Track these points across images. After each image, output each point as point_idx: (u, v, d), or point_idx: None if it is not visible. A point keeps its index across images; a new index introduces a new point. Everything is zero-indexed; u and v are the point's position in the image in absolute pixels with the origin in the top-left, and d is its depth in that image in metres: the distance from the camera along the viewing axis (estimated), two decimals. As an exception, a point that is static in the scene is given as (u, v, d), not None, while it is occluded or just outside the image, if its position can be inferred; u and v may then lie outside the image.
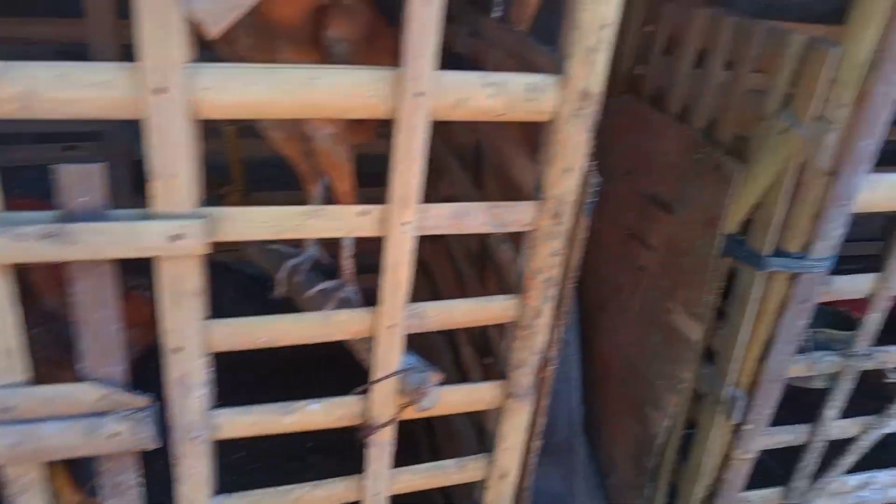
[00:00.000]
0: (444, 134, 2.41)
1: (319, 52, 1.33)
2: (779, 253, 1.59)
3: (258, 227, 1.25)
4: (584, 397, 2.39)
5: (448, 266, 2.38)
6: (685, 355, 1.87)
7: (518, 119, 1.30)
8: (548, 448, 2.31)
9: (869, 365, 1.80)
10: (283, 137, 1.57)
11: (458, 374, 2.18)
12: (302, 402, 1.46)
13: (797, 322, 1.65)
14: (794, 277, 1.59)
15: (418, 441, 2.64)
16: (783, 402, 1.76)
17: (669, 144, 1.91)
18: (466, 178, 2.02)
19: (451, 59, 2.24)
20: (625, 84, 2.17)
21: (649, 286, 2.03)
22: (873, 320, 1.74)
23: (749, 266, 1.64)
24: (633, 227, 2.10)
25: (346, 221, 1.29)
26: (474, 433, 1.95)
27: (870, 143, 1.43)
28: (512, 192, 1.53)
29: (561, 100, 1.28)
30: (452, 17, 2.22)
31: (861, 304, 2.02)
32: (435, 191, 2.51)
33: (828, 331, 2.01)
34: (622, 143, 2.17)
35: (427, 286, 2.54)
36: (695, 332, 1.82)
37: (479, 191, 1.93)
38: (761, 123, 1.57)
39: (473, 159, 2.04)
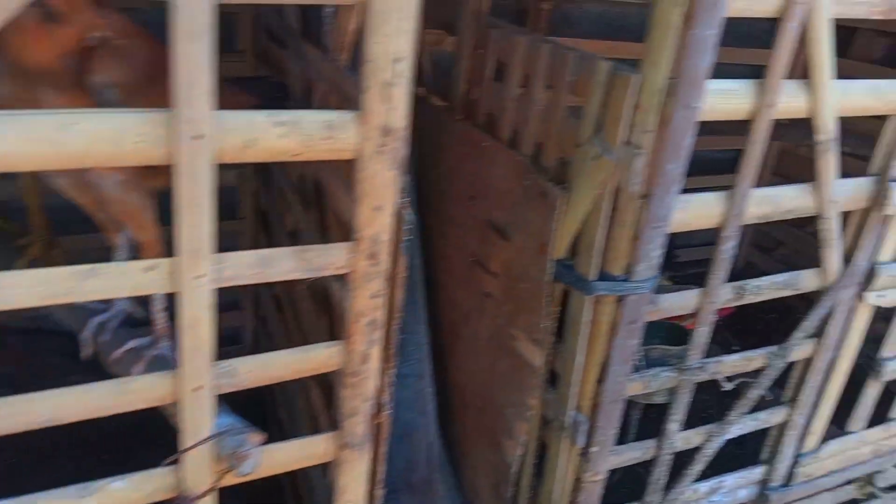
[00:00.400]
0: (282, 166, 2.31)
1: (89, 97, 1.19)
2: (604, 276, 1.60)
3: (23, 293, 1.09)
4: (445, 427, 2.34)
5: (293, 306, 2.26)
6: (530, 382, 1.85)
7: (319, 158, 1.22)
8: (408, 486, 2.24)
9: (703, 377, 1.86)
10: (69, 185, 1.42)
11: (310, 423, 2.06)
12: (103, 481, 1.30)
13: (629, 342, 1.67)
14: (620, 300, 1.61)
15: (285, 495, 2.48)
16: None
17: (502, 170, 1.90)
18: (308, 213, 1.93)
19: (280, 88, 2.16)
20: (462, 109, 2.15)
21: (495, 313, 2.00)
22: (701, 334, 1.79)
23: (578, 291, 1.64)
24: (477, 253, 2.08)
25: (130, 279, 1.16)
26: (326, 485, 1.84)
27: (676, 166, 1.47)
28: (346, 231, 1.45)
29: (362, 137, 1.21)
30: (284, 45, 2.13)
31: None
32: (282, 226, 2.40)
33: (662, 347, 2.07)
34: (463, 168, 2.15)
35: (283, 327, 2.42)
36: (537, 357, 1.81)
37: (323, 229, 1.84)
38: (578, 149, 1.59)
39: (314, 195, 1.95)
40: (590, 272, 1.61)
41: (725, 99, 1.49)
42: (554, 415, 1.83)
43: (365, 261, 1.32)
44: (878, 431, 2.34)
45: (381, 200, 1.28)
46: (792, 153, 3.63)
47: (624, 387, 1.74)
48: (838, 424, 2.32)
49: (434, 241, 2.37)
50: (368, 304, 1.37)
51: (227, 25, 2.70)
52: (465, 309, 2.18)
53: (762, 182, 1.79)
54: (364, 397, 1.46)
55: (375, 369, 1.44)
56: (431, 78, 2.36)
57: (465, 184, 2.13)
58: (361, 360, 1.42)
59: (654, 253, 1.57)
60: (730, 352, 3.48)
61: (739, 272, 4.66)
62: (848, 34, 3.68)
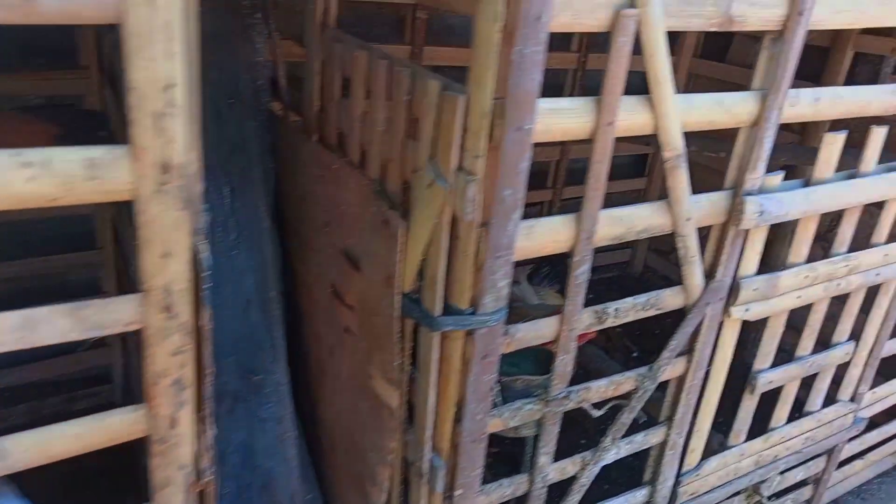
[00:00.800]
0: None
1: None
2: (450, 310, 1.49)
3: None
4: (316, 471, 2.19)
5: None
6: (388, 424, 1.72)
7: (87, 201, 1.06)
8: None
9: (570, 406, 1.77)
10: None
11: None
12: None
13: (485, 378, 1.56)
14: (470, 334, 1.50)
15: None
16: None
17: (352, 195, 1.77)
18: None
19: (91, 117, 1.96)
20: (315, 127, 2.01)
21: (354, 348, 1.86)
22: (563, 362, 1.70)
23: (425, 326, 1.52)
24: (335, 284, 1.94)
25: None
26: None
27: (513, 191, 1.37)
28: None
29: (136, 175, 1.05)
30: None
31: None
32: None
33: (524, 377, 1.98)
34: (318, 191, 2.00)
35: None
36: (393, 398, 1.68)
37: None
38: (416, 174, 1.47)
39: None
40: (434, 307, 1.49)
41: (561, 118, 1.40)
42: (414, 458, 1.71)
43: (159, 314, 1.16)
44: (758, 443, 2.32)
45: (169, 246, 1.12)
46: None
47: (484, 425, 1.63)
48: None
49: (296, 268, 2.21)
50: (170, 363, 1.20)
51: (68, 37, 2.46)
52: (329, 343, 2.03)
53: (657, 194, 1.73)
54: (178, 465, 1.29)
55: (187, 434, 1.27)
56: (288, 93, 2.21)
57: (321, 208, 1.99)
58: (169, 424, 1.25)
59: (500, 283, 1.46)
60: (630, 358, 3.49)
61: (638, 277, 4.65)
62: (727, 39, 3.75)
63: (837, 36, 3.23)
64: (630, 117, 1.49)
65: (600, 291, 4.73)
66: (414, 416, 1.69)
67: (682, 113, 1.55)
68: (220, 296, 2.06)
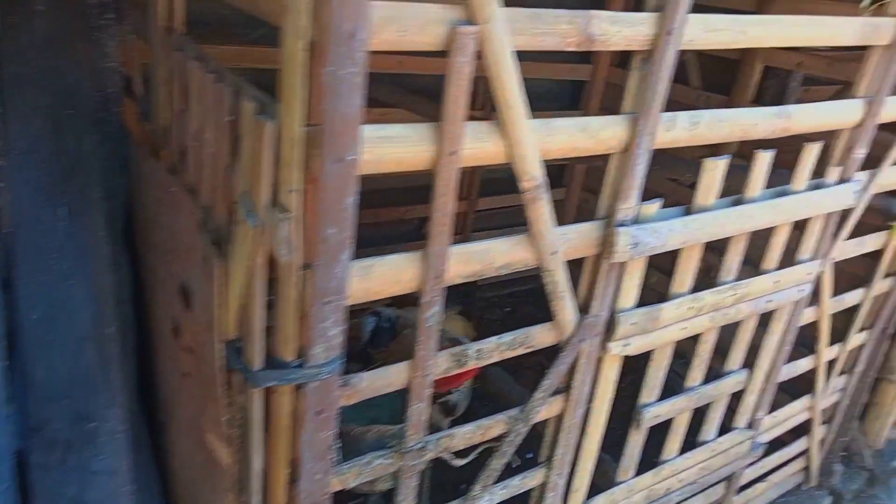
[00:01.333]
0: None
1: None
2: (274, 363, 1.31)
3: None
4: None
5: None
6: (223, 483, 1.53)
7: None
8: None
9: (429, 456, 1.62)
10: None
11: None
12: None
13: (321, 435, 1.38)
14: (300, 388, 1.32)
15: None
16: None
17: (185, 224, 1.57)
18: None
19: None
20: (161, 144, 1.79)
21: (191, 394, 1.67)
22: (418, 411, 1.54)
23: (246, 381, 1.34)
24: (175, 322, 1.73)
25: None
26: None
27: (339, 230, 1.20)
28: None
29: None
30: None
31: (445, 380, 1.86)
32: None
33: (378, 427, 1.83)
34: (160, 216, 1.79)
35: None
36: (224, 455, 1.49)
37: None
38: (235, 207, 1.29)
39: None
40: (254, 359, 1.31)
41: (395, 146, 1.23)
42: (248, 523, 1.52)
43: None
44: (648, 477, 2.22)
45: None
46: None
47: (325, 484, 1.46)
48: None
49: (146, 300, 1.99)
50: None
51: None
52: (173, 385, 1.83)
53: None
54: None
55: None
56: (146, 102, 1.98)
57: (163, 234, 1.78)
58: None
59: (332, 332, 1.29)
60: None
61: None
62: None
63: (746, 49, 3.18)
64: (479, 145, 1.33)
65: (516, 304, 4.63)
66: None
67: (542, 139, 1.41)
68: (52, 331, 1.83)
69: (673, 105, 3.52)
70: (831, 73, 2.93)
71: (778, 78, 3.30)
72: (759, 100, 3.28)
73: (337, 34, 1.05)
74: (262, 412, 1.36)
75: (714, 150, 2.16)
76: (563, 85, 4.11)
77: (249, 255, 1.24)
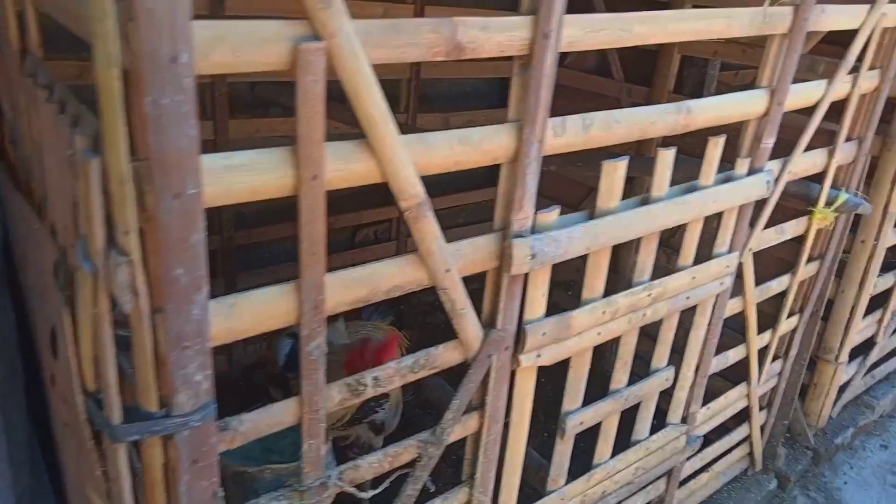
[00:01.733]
0: None
1: None
2: (137, 415, 1.21)
3: None
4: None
5: None
6: (105, 541, 1.42)
7: None
8: None
9: (330, 492, 1.53)
10: None
11: None
12: None
13: (201, 484, 1.29)
14: (170, 439, 1.22)
15: None
16: None
17: (49, 264, 1.45)
18: None
19: None
20: (24, 177, 1.67)
21: (71, 447, 1.55)
22: (312, 447, 1.46)
23: (107, 436, 1.24)
24: (50, 369, 1.61)
25: None
26: None
27: (188, 270, 1.10)
28: None
29: None
30: None
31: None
32: None
33: (273, 466, 1.74)
34: (29, 255, 1.67)
35: None
36: (104, 513, 1.39)
37: None
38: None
39: None
40: (112, 413, 1.20)
41: (245, 176, 1.14)
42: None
43: None
44: (580, 483, 2.17)
45: None
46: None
47: (213, 534, 1.36)
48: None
49: (34, 338, 1.87)
50: None
51: None
52: (58, 435, 1.71)
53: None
54: None
55: None
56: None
57: (34, 274, 1.66)
58: None
59: (196, 377, 1.19)
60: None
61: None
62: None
63: (663, 40, 3.16)
64: (346, 166, 1.25)
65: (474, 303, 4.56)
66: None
67: (418, 155, 1.33)
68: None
69: (597, 98, 3.48)
70: (747, 59, 2.92)
71: (697, 67, 3.29)
72: (679, 89, 3.26)
73: (153, 60, 0.96)
74: (127, 467, 1.26)
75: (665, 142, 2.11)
76: (490, 83, 4.06)
77: (91, 302, 1.14)
